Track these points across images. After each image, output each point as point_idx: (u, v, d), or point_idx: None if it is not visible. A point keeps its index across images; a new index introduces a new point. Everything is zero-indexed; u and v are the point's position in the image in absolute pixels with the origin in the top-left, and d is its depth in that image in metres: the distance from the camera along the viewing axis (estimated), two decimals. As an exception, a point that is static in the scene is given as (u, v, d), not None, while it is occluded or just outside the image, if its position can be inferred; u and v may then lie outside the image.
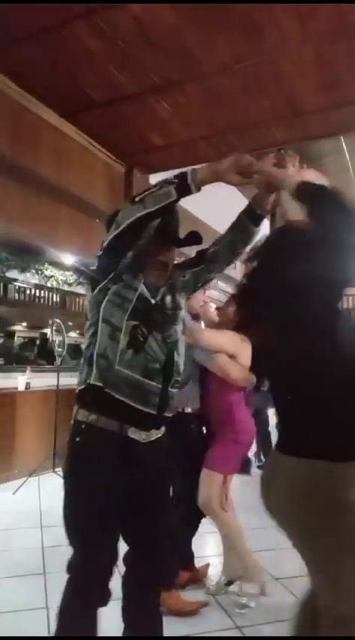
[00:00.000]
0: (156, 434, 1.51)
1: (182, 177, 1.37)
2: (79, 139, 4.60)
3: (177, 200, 1.39)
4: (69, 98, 4.02)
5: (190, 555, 2.52)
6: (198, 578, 2.51)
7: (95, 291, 1.52)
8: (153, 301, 1.52)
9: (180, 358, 1.54)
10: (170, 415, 1.53)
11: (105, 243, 1.48)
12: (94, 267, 1.54)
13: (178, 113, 4.17)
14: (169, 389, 1.48)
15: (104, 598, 1.47)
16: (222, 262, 1.66)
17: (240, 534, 2.42)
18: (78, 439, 1.46)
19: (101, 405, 1.43)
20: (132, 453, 1.44)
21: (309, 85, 3.77)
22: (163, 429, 1.55)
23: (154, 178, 5.52)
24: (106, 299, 1.47)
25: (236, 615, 2.23)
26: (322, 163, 7.05)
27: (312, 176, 1.34)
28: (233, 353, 2.21)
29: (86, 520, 1.44)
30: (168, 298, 1.56)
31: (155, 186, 1.40)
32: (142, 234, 1.45)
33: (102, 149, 4.86)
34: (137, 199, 1.39)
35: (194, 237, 1.57)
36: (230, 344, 2.18)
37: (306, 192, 1.23)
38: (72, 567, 1.47)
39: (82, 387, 1.47)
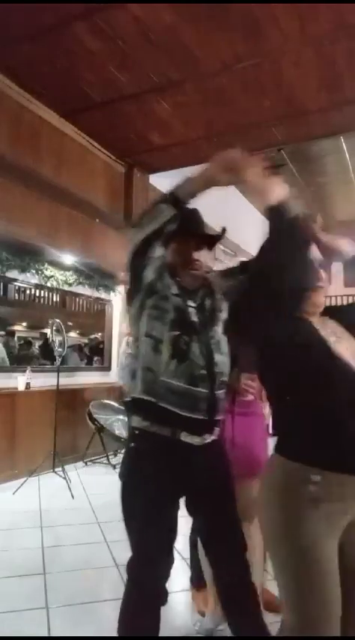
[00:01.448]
0: (210, 437, 1.52)
1: (171, 194, 1.42)
2: (79, 139, 4.59)
3: (176, 216, 1.42)
4: (69, 98, 4.02)
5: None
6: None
7: (132, 308, 1.54)
8: (193, 304, 1.54)
9: (223, 358, 1.55)
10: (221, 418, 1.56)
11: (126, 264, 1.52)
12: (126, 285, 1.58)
13: (178, 113, 4.17)
14: (216, 392, 1.50)
15: (164, 596, 1.51)
16: None
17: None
18: (133, 444, 1.51)
19: (152, 413, 1.46)
20: (187, 455, 1.45)
21: (309, 85, 3.77)
22: (217, 431, 1.56)
23: (154, 178, 5.52)
24: (146, 314, 1.49)
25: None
26: (322, 163, 7.04)
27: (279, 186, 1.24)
28: None
29: (144, 521, 1.46)
30: (208, 301, 1.60)
31: (152, 204, 1.46)
32: (153, 251, 1.48)
33: (102, 149, 4.85)
34: (134, 225, 1.47)
35: (216, 233, 1.63)
36: None
37: (276, 215, 1.19)
38: (132, 569, 1.48)
39: (130, 398, 1.52)
